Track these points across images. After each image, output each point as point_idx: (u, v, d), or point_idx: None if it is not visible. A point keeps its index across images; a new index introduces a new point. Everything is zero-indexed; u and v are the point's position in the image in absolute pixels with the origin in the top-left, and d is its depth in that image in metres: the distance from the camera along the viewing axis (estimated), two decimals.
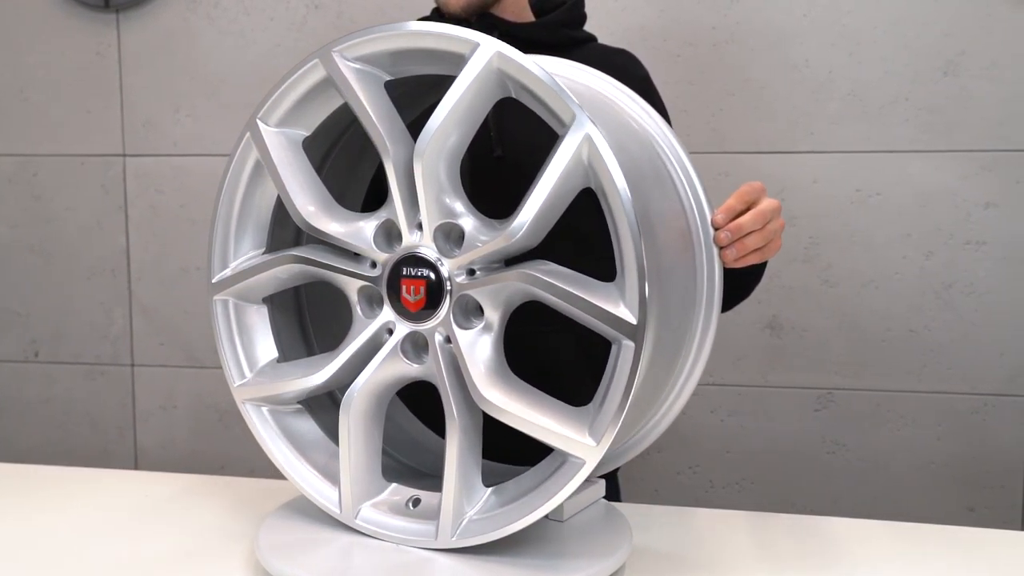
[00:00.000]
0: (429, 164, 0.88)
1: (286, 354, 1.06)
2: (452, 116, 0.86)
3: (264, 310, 1.05)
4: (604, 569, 0.91)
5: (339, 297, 1.18)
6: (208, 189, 2.06)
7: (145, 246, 2.12)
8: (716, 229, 1.00)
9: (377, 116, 0.91)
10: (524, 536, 0.93)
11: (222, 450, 2.13)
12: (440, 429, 1.02)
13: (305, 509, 1.04)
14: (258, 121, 0.99)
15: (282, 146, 0.99)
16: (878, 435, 1.90)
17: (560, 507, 0.96)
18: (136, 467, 2.18)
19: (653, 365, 0.87)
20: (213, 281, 1.03)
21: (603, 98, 0.99)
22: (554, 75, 0.83)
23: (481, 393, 0.88)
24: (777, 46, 1.85)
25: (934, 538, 1.07)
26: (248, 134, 0.99)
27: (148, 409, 2.16)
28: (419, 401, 1.13)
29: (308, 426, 1.04)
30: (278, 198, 1.04)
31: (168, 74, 2.06)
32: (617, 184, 0.80)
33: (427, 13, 1.37)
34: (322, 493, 0.99)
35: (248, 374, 1.03)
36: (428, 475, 1.06)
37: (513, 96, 0.89)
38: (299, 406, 1.04)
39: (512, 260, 0.91)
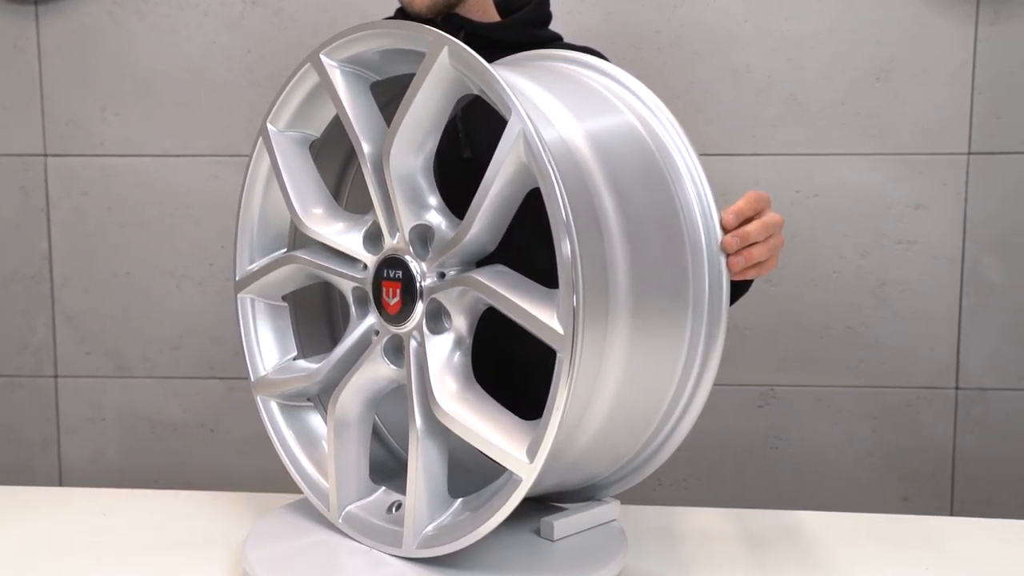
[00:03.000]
0: (397, 163, 0.87)
1: (305, 351, 1.09)
2: (413, 114, 0.86)
3: (285, 308, 1.09)
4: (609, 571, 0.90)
5: None
6: (139, 191, 1.98)
7: (69, 251, 2.01)
8: (724, 231, 0.94)
9: (354, 116, 0.90)
10: (512, 548, 0.91)
11: (155, 464, 2.05)
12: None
13: (290, 518, 1.03)
14: (268, 124, 1.00)
15: (288, 148, 1.00)
16: (818, 429, 1.97)
17: (550, 526, 0.93)
18: (61, 484, 2.07)
19: (625, 377, 0.82)
20: (237, 279, 1.07)
21: (596, 94, 0.98)
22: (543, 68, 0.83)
23: (436, 399, 0.86)
24: (719, 50, 1.89)
25: (868, 527, 1.12)
26: (261, 138, 1.01)
27: (74, 422, 2.06)
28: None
29: (317, 422, 1.06)
30: None
31: (94, 70, 1.96)
32: (553, 185, 0.75)
33: (389, 12, 1.35)
34: (316, 489, 1.00)
35: (265, 369, 1.06)
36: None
37: (476, 93, 0.86)
38: (309, 402, 1.06)
39: (482, 263, 0.88)
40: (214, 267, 2.00)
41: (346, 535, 0.96)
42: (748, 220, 0.95)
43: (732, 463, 1.98)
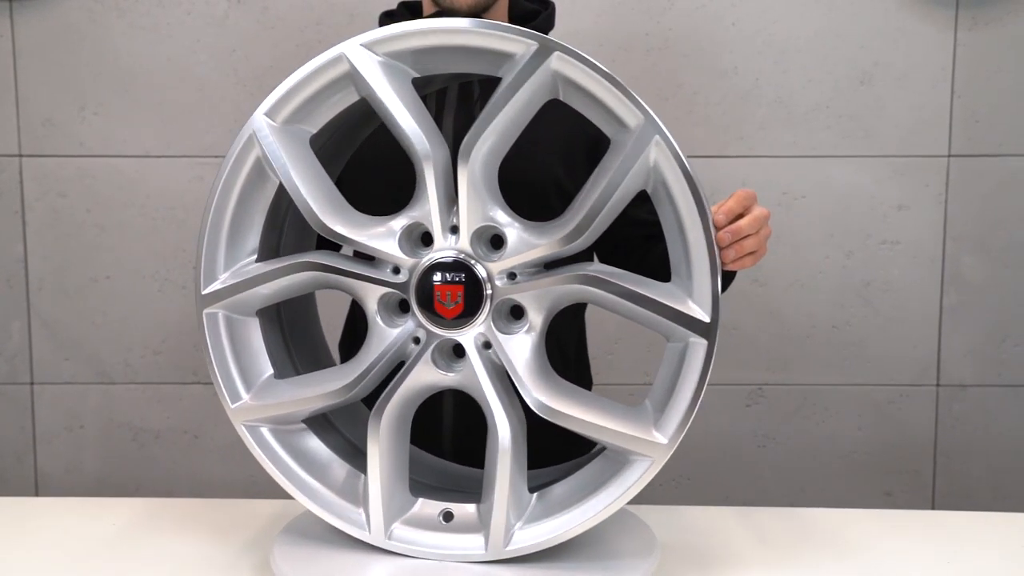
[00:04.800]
0: (477, 165, 0.86)
1: (279, 370, 0.99)
2: (506, 116, 0.84)
3: (257, 324, 0.97)
4: (649, 566, 0.91)
5: (312, 313, 1.13)
6: (119, 192, 1.93)
7: (46, 254, 1.95)
8: (717, 229, 0.99)
9: (414, 114, 0.88)
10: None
11: (136, 472, 2.00)
12: (426, 445, 0.99)
13: (312, 529, 0.99)
14: (263, 117, 0.92)
15: (290, 144, 0.92)
16: (804, 427, 1.99)
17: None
18: (36, 494, 2.01)
19: None
20: (204, 292, 0.94)
21: None
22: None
23: (536, 397, 0.86)
24: (707, 53, 1.91)
25: (856, 520, 1.14)
26: (252, 131, 0.92)
27: (51, 431, 2.00)
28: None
29: (315, 445, 0.98)
30: (272, 201, 0.99)
31: (72, 69, 1.91)
32: (689, 188, 0.81)
33: (374, 9, 1.34)
34: (345, 516, 0.93)
35: (244, 393, 0.95)
36: (445, 489, 1.02)
37: (560, 98, 0.88)
38: (302, 425, 0.98)
39: (550, 264, 0.90)
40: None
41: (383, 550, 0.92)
42: (739, 216, 0.98)
43: (720, 462, 2.00)
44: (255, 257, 0.97)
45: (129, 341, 1.97)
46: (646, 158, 0.84)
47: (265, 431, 0.95)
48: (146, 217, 1.94)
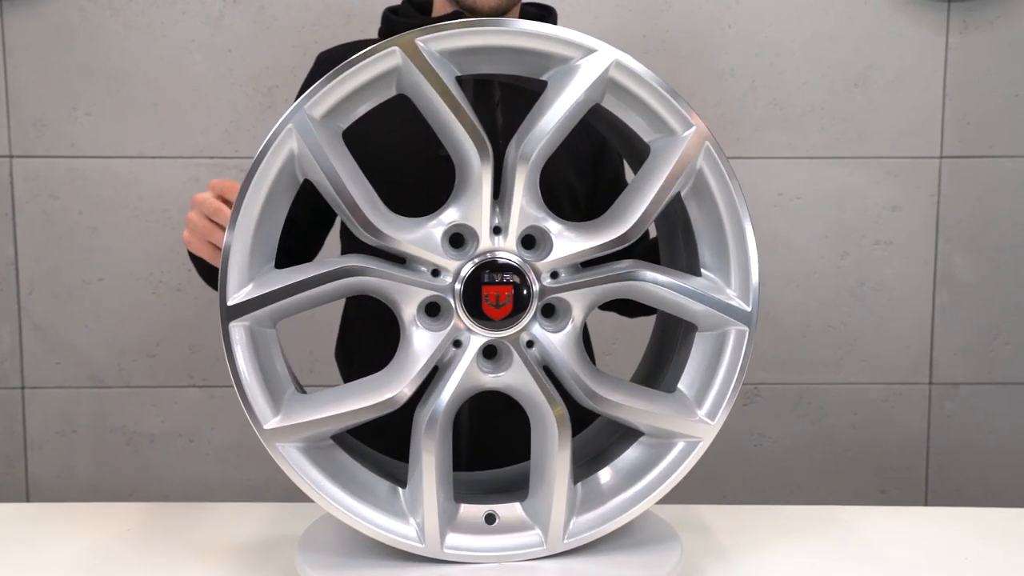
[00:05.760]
0: (533, 166, 0.86)
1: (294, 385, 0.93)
2: (562, 119, 0.86)
3: (276, 336, 0.92)
4: (675, 553, 0.93)
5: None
6: (112, 194, 1.91)
7: (37, 256, 1.93)
8: None
9: (471, 112, 0.86)
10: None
11: (130, 476, 1.97)
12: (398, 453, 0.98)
13: (332, 537, 0.96)
14: (305, 111, 0.85)
15: (332, 141, 0.87)
16: (799, 426, 2.01)
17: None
18: (28, 500, 1.98)
19: None
20: (231, 303, 0.87)
21: None
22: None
23: (590, 387, 0.88)
24: (705, 55, 1.92)
25: (848, 517, 1.16)
26: (291, 125, 0.85)
27: (42, 435, 1.97)
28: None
29: (346, 460, 0.92)
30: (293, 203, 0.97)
31: (64, 68, 1.88)
32: (732, 188, 0.87)
33: (373, 9, 1.33)
34: (393, 530, 0.90)
35: (275, 412, 0.88)
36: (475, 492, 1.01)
37: (601, 102, 0.88)
38: (331, 441, 0.92)
39: (586, 262, 0.91)
40: (192, 272, 1.93)
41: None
42: None
43: (717, 461, 2.01)
44: (272, 264, 0.91)
45: (122, 344, 1.95)
46: (695, 162, 0.88)
47: (295, 452, 0.89)
48: (140, 219, 1.92)
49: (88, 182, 1.91)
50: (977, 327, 1.99)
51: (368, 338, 1.31)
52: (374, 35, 1.42)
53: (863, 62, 1.92)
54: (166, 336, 1.95)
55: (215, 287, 1.22)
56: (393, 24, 1.30)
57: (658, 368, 1.02)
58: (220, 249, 0.96)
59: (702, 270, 0.93)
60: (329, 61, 1.30)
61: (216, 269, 1.00)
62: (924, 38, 1.92)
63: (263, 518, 1.14)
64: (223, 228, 0.99)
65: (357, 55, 0.85)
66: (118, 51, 1.88)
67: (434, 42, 0.85)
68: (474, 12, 1.22)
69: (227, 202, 1.02)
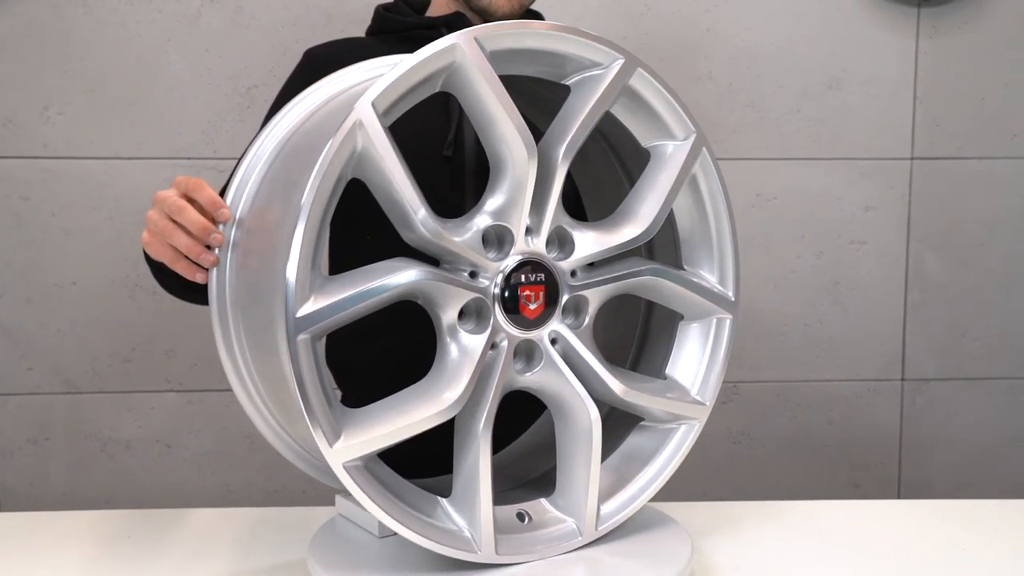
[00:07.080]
0: (565, 167, 0.87)
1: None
2: (588, 121, 0.88)
3: (323, 347, 0.92)
4: (686, 555, 0.94)
5: None
6: (86, 195, 1.87)
7: (8, 259, 1.88)
8: None
9: (519, 112, 0.85)
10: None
11: (105, 484, 1.93)
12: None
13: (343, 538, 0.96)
14: (370, 107, 0.79)
15: (387, 140, 0.81)
16: (778, 423, 2.05)
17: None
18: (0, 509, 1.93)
19: None
20: (299, 315, 0.77)
21: None
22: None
23: (608, 385, 0.90)
24: (683, 58, 1.94)
25: (823, 512, 1.18)
26: (359, 119, 0.79)
27: (13, 443, 1.92)
28: None
29: (390, 473, 0.88)
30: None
31: (36, 68, 1.84)
32: (720, 185, 0.96)
33: (354, 10, 1.32)
34: (451, 539, 0.86)
35: (336, 429, 0.81)
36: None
37: (609, 107, 0.89)
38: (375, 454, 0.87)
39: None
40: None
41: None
42: None
43: (697, 459, 2.03)
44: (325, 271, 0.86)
45: (96, 349, 1.91)
46: (690, 165, 0.94)
47: (361, 469, 0.82)
48: (115, 221, 1.88)
49: (61, 183, 1.87)
50: (947, 324, 2.04)
51: (365, 345, 1.27)
52: (354, 34, 1.41)
53: (837, 66, 1.96)
54: (142, 340, 1.91)
55: (176, 294, 1.20)
56: (388, 21, 1.29)
57: (639, 357, 1.08)
58: (181, 253, 0.91)
59: (684, 264, 1.00)
60: (322, 58, 1.28)
61: (177, 276, 0.93)
62: (895, 43, 1.96)
63: (242, 524, 1.12)
64: (186, 231, 0.91)
65: (420, 51, 0.81)
66: (92, 50, 1.85)
67: (492, 41, 0.83)
68: (487, 15, 1.22)
69: (192, 201, 0.92)
